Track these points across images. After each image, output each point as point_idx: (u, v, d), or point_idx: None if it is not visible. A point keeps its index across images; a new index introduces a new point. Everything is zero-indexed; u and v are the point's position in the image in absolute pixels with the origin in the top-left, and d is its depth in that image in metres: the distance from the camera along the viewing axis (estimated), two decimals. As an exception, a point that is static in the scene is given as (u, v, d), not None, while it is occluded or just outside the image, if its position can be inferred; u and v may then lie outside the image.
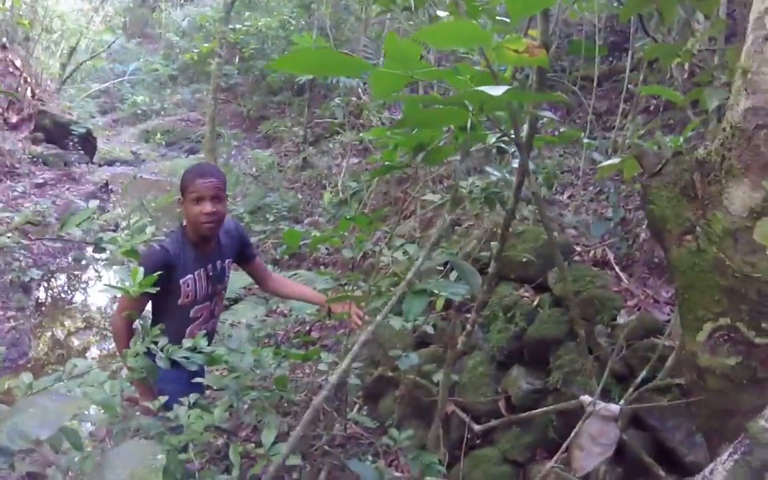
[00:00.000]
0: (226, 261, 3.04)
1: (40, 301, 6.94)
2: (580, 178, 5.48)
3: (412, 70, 1.16)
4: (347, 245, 2.32)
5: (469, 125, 1.71)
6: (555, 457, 1.54)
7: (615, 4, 5.76)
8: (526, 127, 1.91)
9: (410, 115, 1.41)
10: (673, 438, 2.93)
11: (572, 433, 1.77)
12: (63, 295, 7.33)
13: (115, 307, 6.30)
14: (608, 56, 7.54)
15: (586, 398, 1.73)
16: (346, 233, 2.14)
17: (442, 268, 2.91)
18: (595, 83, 6.03)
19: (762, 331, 1.44)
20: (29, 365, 5.56)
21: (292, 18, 11.31)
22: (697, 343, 1.51)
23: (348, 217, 1.82)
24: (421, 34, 1.09)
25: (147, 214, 7.47)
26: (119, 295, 2.93)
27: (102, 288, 7.12)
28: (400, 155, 1.99)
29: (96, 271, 7.80)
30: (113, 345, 5.92)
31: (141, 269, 2.63)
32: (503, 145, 2.09)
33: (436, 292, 1.74)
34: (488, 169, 2.03)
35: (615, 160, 2.14)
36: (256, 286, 4.50)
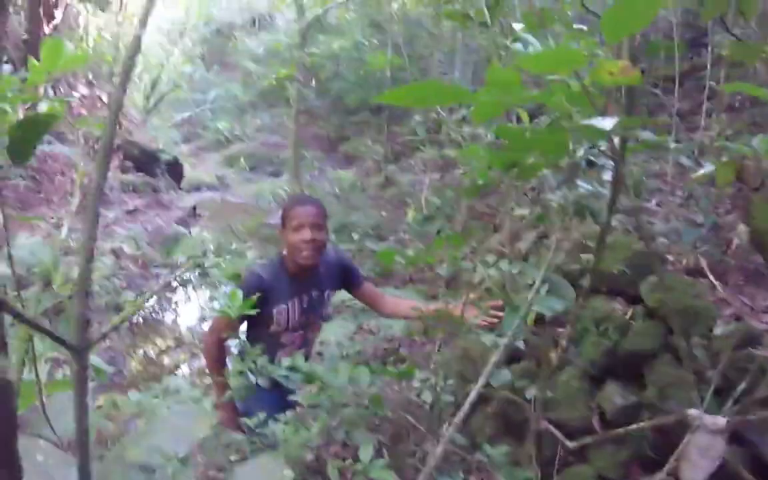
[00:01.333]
0: (326, 292, 3.09)
1: (133, 321, 7.29)
2: (668, 184, 5.33)
3: (513, 96, 1.20)
4: (439, 262, 2.36)
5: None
6: (664, 470, 1.51)
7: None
8: (617, 138, 1.90)
9: (511, 144, 1.44)
10: (773, 453, 2.81)
11: (681, 446, 1.74)
12: (154, 316, 7.66)
13: (204, 326, 6.57)
14: (687, 53, 7.31)
15: (693, 412, 1.70)
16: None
17: (531, 283, 2.89)
18: (676, 83, 5.86)
19: None
20: (125, 383, 5.84)
21: (364, 38, 11.51)
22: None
23: (441, 235, 1.86)
24: (521, 62, 1.13)
25: (236, 237, 7.73)
26: (209, 315, 3.06)
27: (196, 307, 7.42)
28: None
29: (185, 292, 8.13)
30: (201, 362, 6.19)
31: (239, 292, 2.76)
32: (592, 158, 2.08)
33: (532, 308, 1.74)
34: (578, 182, 2.03)
35: (710, 168, 2.09)
36: (346, 305, 4.58)
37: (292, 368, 2.62)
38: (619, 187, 1.94)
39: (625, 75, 1.30)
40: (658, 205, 5.28)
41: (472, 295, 2.19)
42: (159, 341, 6.96)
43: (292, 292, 2.96)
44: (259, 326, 2.98)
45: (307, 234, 2.82)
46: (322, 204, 2.98)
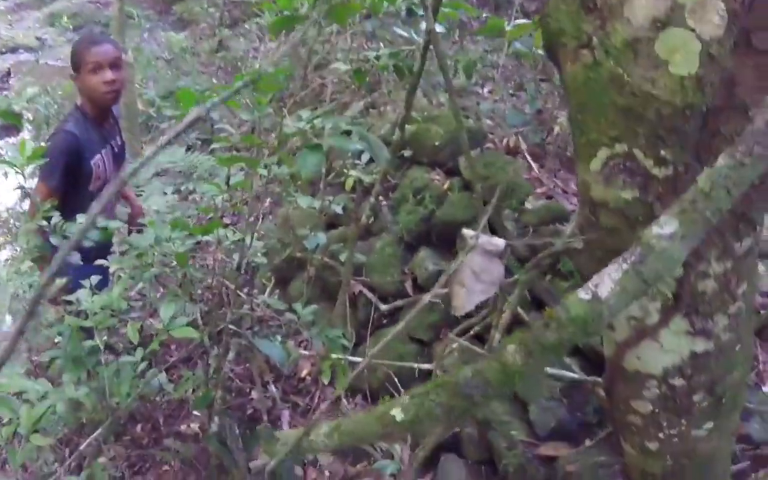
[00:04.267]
0: (123, 138, 2.91)
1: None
2: (500, 71, 5.46)
3: None
4: (245, 109, 2.22)
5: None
6: (431, 292, 1.50)
7: None
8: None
9: None
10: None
11: (453, 267, 1.73)
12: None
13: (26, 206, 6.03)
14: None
15: (468, 232, 1.70)
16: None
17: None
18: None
19: (661, 161, 1.30)
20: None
21: None
22: (590, 172, 1.39)
23: (244, 72, 1.72)
24: None
25: (53, 101, 7.02)
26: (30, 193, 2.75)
27: (14, 185, 6.74)
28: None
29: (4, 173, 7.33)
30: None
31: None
32: (414, 7, 2.02)
33: (330, 146, 1.67)
34: (397, 29, 1.96)
35: (527, 21, 2.09)
36: (165, 170, 4.34)
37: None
38: (430, 36, 1.90)
39: None
40: (489, 92, 5.41)
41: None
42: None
43: (101, 141, 2.74)
44: (78, 186, 2.72)
45: (108, 75, 2.58)
46: (116, 41, 2.75)
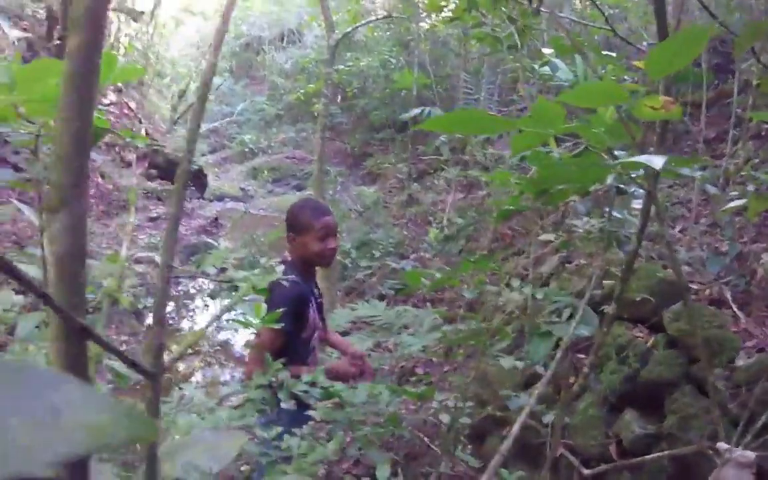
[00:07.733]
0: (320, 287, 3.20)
1: (151, 326, 7.29)
2: (692, 211, 5.28)
3: (554, 127, 1.21)
4: (463, 284, 2.37)
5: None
6: None
7: (717, 26, 5.57)
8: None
9: (545, 174, 1.45)
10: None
11: None
12: (171, 322, 7.71)
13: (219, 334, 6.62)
14: (714, 80, 7.27)
15: (722, 445, 1.67)
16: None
17: (554, 308, 2.89)
18: (703, 109, 5.84)
19: None
20: (138, 387, 5.85)
21: (391, 56, 11.64)
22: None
23: (468, 258, 1.87)
24: (565, 96, 1.15)
25: (257, 248, 7.79)
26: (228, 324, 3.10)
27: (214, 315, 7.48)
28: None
29: (203, 301, 8.19)
30: (214, 373, 6.24)
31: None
32: (622, 186, 2.10)
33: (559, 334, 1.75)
34: (612, 210, 2.04)
35: (740, 201, 2.07)
36: (363, 321, 4.61)
37: (313, 383, 2.63)
38: (647, 218, 1.95)
39: (668, 110, 1.31)
40: (681, 232, 5.23)
41: (495, 320, 2.20)
42: (174, 348, 6.99)
43: (310, 292, 3.01)
44: (297, 334, 2.99)
45: (333, 243, 2.89)
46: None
